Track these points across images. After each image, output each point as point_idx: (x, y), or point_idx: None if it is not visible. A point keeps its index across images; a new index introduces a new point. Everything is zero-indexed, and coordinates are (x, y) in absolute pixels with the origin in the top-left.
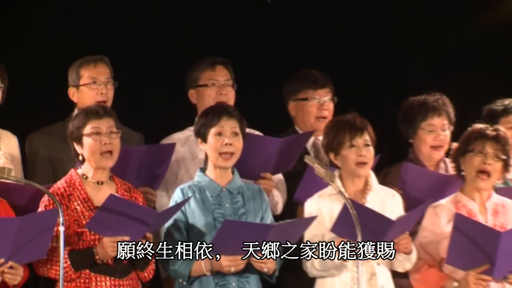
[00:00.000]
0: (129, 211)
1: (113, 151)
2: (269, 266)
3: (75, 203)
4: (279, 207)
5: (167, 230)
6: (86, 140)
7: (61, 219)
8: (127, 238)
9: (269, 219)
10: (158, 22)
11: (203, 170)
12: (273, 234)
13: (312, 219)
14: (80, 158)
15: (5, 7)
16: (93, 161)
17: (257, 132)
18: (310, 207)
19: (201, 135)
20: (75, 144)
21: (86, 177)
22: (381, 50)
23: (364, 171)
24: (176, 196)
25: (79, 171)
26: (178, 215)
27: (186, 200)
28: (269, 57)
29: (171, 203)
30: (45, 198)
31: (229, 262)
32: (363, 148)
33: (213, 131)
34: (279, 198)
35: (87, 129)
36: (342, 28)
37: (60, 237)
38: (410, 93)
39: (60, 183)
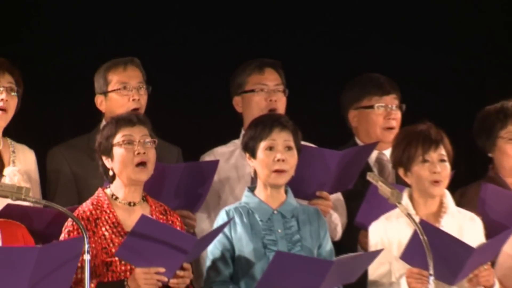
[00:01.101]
0: (163, 236)
1: (147, 162)
2: None
3: (103, 228)
4: (338, 232)
5: (211, 262)
6: (117, 151)
7: (86, 247)
8: (162, 269)
9: (328, 247)
10: (197, 20)
11: (251, 189)
12: (334, 271)
13: (378, 252)
14: (110, 173)
15: (25, 10)
16: (125, 175)
17: (311, 145)
18: (376, 231)
19: (249, 150)
20: (104, 158)
21: (116, 198)
22: (456, 49)
23: (438, 190)
24: (221, 220)
25: (108, 191)
26: (222, 242)
27: (227, 223)
28: (325, 59)
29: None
30: (69, 222)
31: None
32: (437, 164)
33: (263, 145)
34: (338, 221)
35: (118, 138)
36: (407, 25)
37: (86, 267)
38: (491, 99)
39: (86, 205)
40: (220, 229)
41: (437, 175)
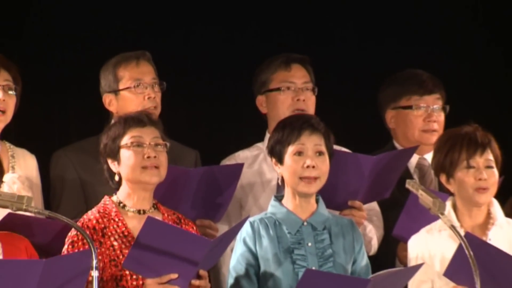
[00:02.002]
0: (174, 240)
1: (159, 167)
2: None
3: (112, 239)
4: (374, 246)
5: (233, 279)
6: (124, 154)
7: (94, 262)
8: (175, 275)
9: (363, 262)
10: (218, 15)
11: (278, 198)
12: None
13: (417, 267)
14: (116, 178)
15: (26, 1)
16: (133, 179)
17: (343, 149)
18: (416, 246)
19: (276, 154)
20: (109, 162)
21: (124, 206)
22: (503, 47)
23: (484, 198)
24: (244, 232)
25: (115, 198)
26: (246, 257)
27: (244, 221)
28: (360, 54)
29: (237, 241)
30: (72, 232)
31: None
32: (484, 170)
33: (291, 149)
34: (373, 234)
35: (126, 139)
36: (454, 16)
37: (94, 283)
38: None
39: (92, 214)
40: (236, 229)
41: (483, 182)
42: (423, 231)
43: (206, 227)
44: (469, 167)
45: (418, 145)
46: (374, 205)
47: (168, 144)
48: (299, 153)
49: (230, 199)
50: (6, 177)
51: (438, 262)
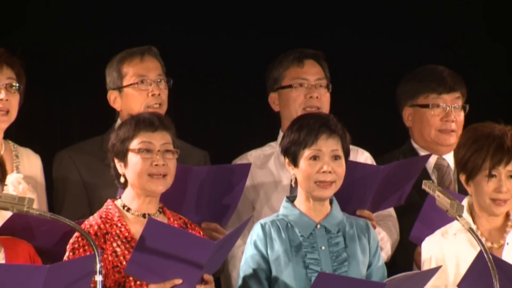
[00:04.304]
0: (177, 242)
1: (167, 174)
2: None
3: (114, 244)
4: (387, 254)
5: (242, 281)
6: (132, 158)
7: (98, 266)
8: (179, 281)
9: (379, 265)
10: (227, 11)
11: (291, 200)
12: None
13: (434, 270)
14: (122, 180)
15: None
16: (139, 185)
17: (360, 150)
18: (429, 248)
19: (290, 156)
20: (116, 161)
21: (128, 209)
22: None
23: (501, 210)
24: (255, 235)
25: (118, 202)
26: (256, 260)
27: (248, 220)
28: (375, 51)
29: (248, 244)
30: (73, 239)
31: None
32: (505, 182)
33: (307, 153)
34: (385, 243)
35: (135, 143)
36: (473, 14)
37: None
38: None
39: (93, 219)
40: (240, 230)
41: (502, 194)
42: (437, 233)
43: (212, 230)
44: (490, 175)
45: (431, 153)
46: (390, 210)
47: (178, 151)
48: (315, 157)
49: (237, 201)
50: (11, 177)
51: (453, 265)
